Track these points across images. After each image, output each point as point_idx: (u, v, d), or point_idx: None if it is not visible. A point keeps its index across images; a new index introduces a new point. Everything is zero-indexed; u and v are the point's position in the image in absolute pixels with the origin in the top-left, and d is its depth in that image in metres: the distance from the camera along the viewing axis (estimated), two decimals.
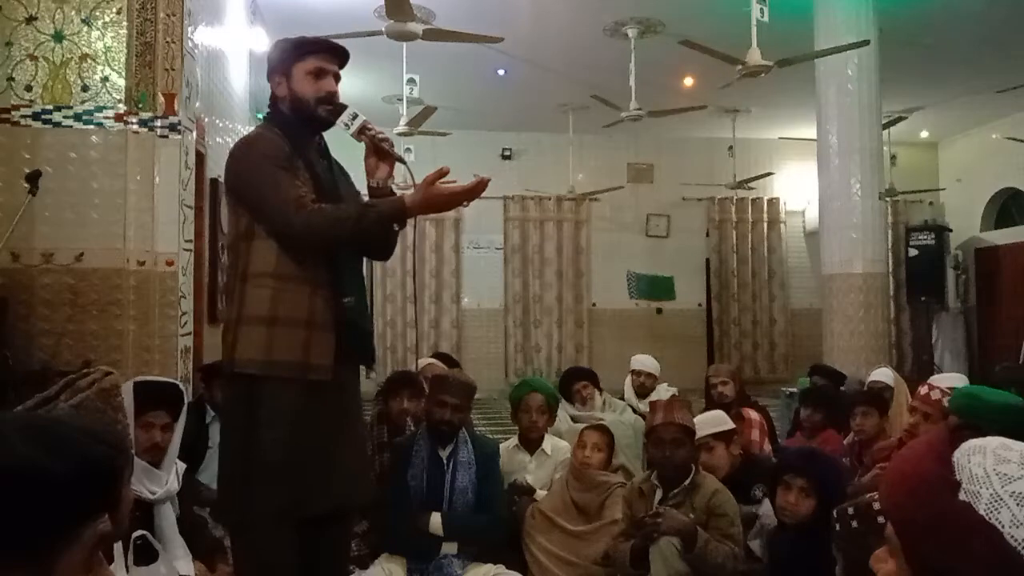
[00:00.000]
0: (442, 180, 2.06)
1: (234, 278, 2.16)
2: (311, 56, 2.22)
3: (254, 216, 2.14)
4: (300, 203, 2.06)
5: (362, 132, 2.21)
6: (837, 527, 1.70)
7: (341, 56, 2.28)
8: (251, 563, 2.14)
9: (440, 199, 2.07)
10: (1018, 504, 0.78)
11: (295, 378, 2.09)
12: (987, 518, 0.78)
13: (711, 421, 3.25)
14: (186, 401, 2.52)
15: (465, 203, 2.13)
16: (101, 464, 0.80)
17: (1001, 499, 0.78)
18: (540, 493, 3.38)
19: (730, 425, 3.28)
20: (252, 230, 2.13)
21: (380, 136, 2.23)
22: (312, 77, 2.21)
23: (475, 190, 2.07)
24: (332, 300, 2.15)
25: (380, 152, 2.24)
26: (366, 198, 2.28)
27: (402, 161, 2.28)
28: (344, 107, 2.23)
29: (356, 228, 2.08)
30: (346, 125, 2.21)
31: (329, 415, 2.16)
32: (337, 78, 2.27)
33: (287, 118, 2.23)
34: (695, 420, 3.08)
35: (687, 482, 2.83)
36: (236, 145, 2.28)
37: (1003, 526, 0.77)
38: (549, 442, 3.61)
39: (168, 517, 2.37)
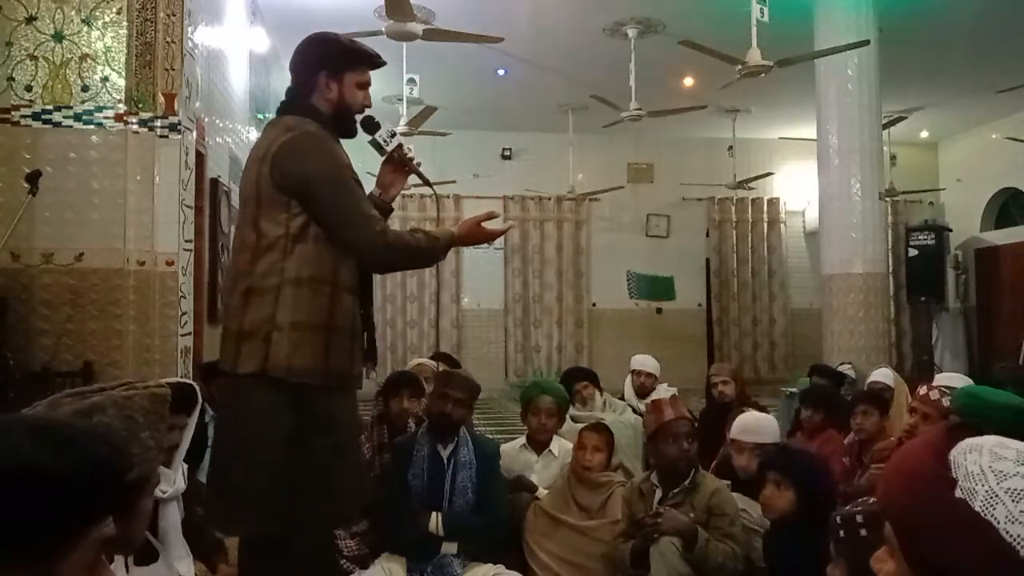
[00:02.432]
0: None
1: (279, 279, 2.05)
2: (363, 67, 2.24)
3: (326, 221, 2.08)
4: (383, 225, 2.14)
5: (395, 151, 2.29)
6: (841, 533, 1.68)
7: (377, 69, 2.34)
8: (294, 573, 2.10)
9: (480, 236, 2.30)
10: (1013, 500, 0.78)
11: (341, 386, 2.11)
12: (983, 514, 0.79)
13: (770, 431, 3.18)
14: (200, 400, 2.55)
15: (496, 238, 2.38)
16: (105, 466, 0.80)
17: (996, 495, 0.79)
18: (540, 492, 3.38)
19: (777, 439, 3.21)
20: (306, 232, 2.07)
21: (411, 157, 2.32)
22: (359, 88, 2.23)
23: (505, 231, 2.43)
24: (361, 310, 2.20)
25: (409, 172, 2.34)
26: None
27: (430, 185, 2.39)
28: (378, 123, 2.29)
29: (427, 257, 2.25)
30: (384, 141, 2.28)
31: (355, 421, 2.23)
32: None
33: (326, 120, 2.20)
34: (746, 421, 3.21)
35: (687, 482, 2.83)
36: (304, 141, 2.11)
37: (998, 522, 0.78)
38: (556, 443, 3.61)
39: (172, 516, 2.37)
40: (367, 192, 2.25)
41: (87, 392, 1.29)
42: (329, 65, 2.19)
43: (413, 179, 2.44)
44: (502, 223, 2.42)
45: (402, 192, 2.52)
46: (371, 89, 2.32)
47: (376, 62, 2.27)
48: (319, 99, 2.20)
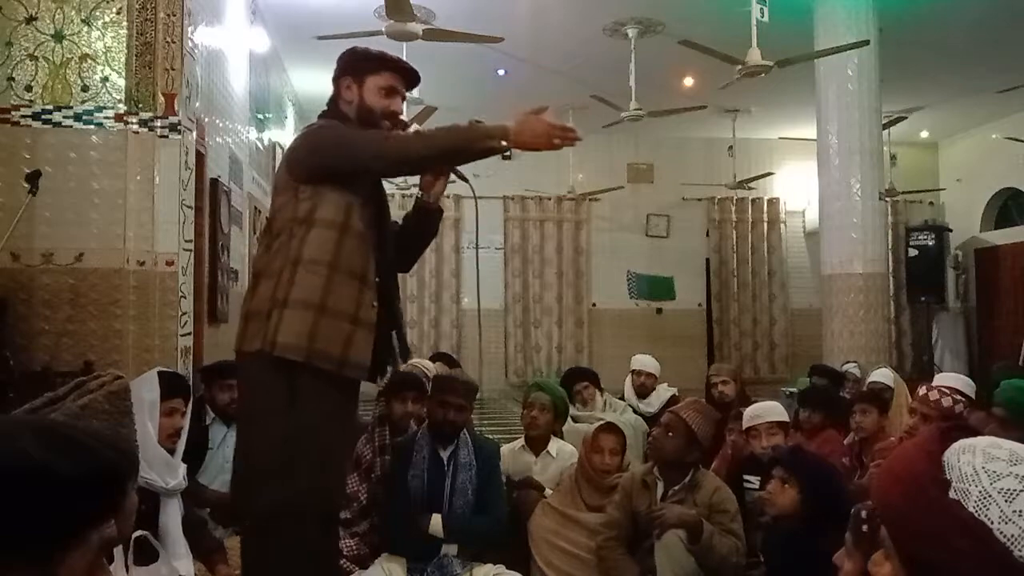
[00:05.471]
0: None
1: (283, 261, 2.14)
2: (387, 72, 2.31)
3: (347, 168, 2.17)
4: (392, 132, 2.21)
5: None
6: (864, 528, 1.69)
7: (414, 81, 2.38)
8: (276, 558, 2.08)
9: (537, 126, 2.12)
10: (1006, 500, 0.79)
11: (332, 371, 2.10)
12: (976, 515, 0.79)
13: (776, 411, 3.34)
14: (190, 387, 2.59)
15: (558, 142, 2.13)
16: (110, 469, 0.80)
17: (990, 496, 0.79)
18: (547, 492, 3.38)
19: (786, 417, 3.39)
20: (311, 216, 2.15)
21: None
22: (383, 92, 2.30)
23: (569, 131, 2.12)
24: (375, 301, 2.21)
25: (443, 170, 2.34)
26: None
27: (464, 179, 2.39)
28: (408, 124, 2.34)
29: (459, 140, 2.16)
30: None
31: (352, 414, 2.23)
32: (403, 100, 2.38)
33: (351, 122, 2.29)
34: (753, 409, 3.35)
35: (687, 480, 2.84)
36: (310, 129, 2.31)
37: (992, 522, 0.78)
38: (555, 445, 3.62)
39: (174, 513, 2.37)
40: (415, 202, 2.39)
41: (39, 407, 1.26)
42: (351, 70, 2.32)
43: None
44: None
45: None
46: None
47: (399, 67, 2.33)
48: (343, 103, 2.32)
